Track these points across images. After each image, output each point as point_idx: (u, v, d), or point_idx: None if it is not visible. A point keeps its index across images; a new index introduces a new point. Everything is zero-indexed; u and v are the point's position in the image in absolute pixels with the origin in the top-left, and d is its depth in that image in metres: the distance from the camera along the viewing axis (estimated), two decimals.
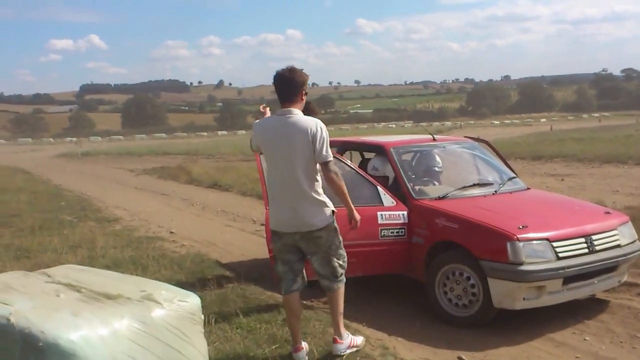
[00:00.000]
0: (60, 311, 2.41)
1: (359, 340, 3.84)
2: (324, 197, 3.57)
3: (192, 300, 2.75)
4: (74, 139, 53.79)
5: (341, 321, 3.73)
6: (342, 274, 3.67)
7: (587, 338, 4.11)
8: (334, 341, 3.72)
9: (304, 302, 4.49)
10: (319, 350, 3.77)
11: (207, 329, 3.72)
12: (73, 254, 6.70)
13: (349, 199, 3.59)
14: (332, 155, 3.53)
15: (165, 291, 2.74)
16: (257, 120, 3.79)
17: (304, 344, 3.73)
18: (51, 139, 72.29)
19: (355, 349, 3.75)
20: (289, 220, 3.52)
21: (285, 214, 3.53)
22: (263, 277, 5.48)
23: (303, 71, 3.59)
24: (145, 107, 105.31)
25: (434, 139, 5.73)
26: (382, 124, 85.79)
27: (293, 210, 3.50)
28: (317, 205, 3.52)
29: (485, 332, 4.22)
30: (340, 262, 3.65)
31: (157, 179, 17.36)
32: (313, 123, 3.49)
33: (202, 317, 2.80)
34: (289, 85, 3.53)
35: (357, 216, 3.66)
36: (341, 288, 3.68)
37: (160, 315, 2.55)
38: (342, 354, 3.68)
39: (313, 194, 3.51)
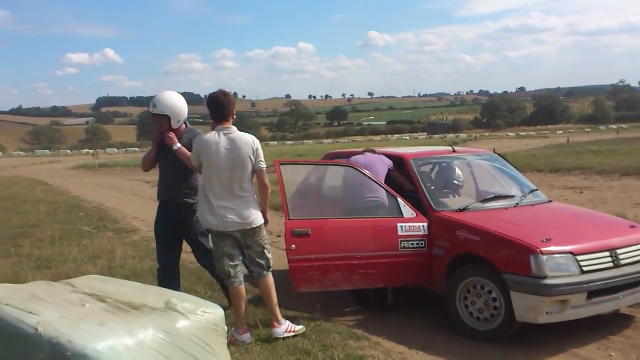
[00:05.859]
0: (87, 321, 2.42)
1: (297, 327, 4.30)
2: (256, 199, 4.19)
3: (215, 312, 2.75)
4: (91, 150, 54.27)
5: (276, 307, 4.24)
6: (271, 265, 4.28)
7: (612, 354, 4.03)
8: (272, 326, 4.23)
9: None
10: (340, 357, 3.82)
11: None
12: (93, 264, 6.74)
13: (268, 202, 4.32)
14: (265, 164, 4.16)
15: (188, 302, 2.74)
16: (200, 137, 4.26)
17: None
18: (68, 151, 73.16)
19: (292, 334, 4.21)
20: (235, 221, 4.06)
21: (232, 216, 4.06)
22: (281, 287, 5.45)
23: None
24: None
25: (454, 150, 5.71)
26: (396, 135, 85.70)
27: (238, 211, 4.07)
28: (254, 206, 4.15)
29: (507, 346, 4.16)
30: (270, 255, 4.28)
31: None
32: (251, 138, 4.15)
33: (225, 328, 2.80)
34: (225, 106, 4.16)
35: (268, 218, 4.29)
36: (271, 276, 4.26)
37: (185, 326, 2.55)
38: (280, 337, 4.16)
39: (253, 196, 4.16)
